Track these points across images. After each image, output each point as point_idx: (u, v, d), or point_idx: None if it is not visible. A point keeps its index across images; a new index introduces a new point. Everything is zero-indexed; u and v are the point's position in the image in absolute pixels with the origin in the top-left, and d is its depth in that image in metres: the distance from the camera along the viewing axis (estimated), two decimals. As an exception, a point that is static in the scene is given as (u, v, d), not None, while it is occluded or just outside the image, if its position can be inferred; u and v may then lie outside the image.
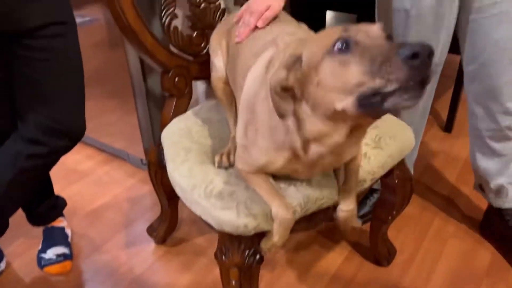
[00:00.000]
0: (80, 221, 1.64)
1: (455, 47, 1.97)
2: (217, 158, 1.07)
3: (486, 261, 1.43)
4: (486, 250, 1.47)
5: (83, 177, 1.89)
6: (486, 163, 1.42)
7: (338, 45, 0.66)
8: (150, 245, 1.53)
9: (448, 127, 2.13)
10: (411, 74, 0.58)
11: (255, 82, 0.93)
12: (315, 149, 0.80)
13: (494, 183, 1.42)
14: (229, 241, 0.98)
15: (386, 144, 1.11)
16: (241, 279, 1.00)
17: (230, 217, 0.91)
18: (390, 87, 0.60)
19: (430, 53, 0.57)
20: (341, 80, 0.65)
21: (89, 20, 1.74)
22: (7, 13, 1.02)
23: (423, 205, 1.68)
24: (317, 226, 1.08)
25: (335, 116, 0.70)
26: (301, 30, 1.10)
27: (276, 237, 0.94)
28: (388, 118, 1.21)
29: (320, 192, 0.99)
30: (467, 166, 1.89)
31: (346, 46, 0.65)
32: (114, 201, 1.75)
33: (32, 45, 1.09)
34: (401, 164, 1.21)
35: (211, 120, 1.25)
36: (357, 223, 1.08)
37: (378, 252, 1.40)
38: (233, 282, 1.01)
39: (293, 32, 1.02)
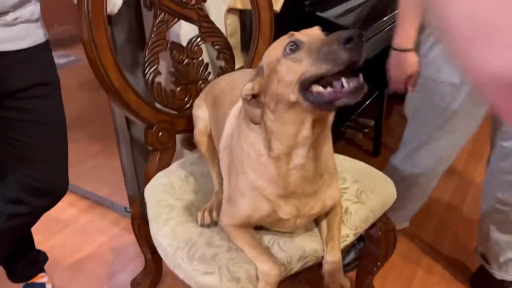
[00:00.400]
0: (61, 274, 1.61)
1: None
2: (199, 215, 1.07)
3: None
4: None
5: (66, 226, 1.86)
6: (499, 236, 1.38)
7: (289, 46, 0.78)
8: (134, 299, 1.50)
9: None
10: (351, 54, 0.69)
11: (230, 125, 1.00)
12: (294, 162, 0.85)
13: (504, 257, 1.39)
14: (212, 304, 0.96)
15: (368, 198, 1.12)
16: None
17: (213, 282, 0.90)
18: (337, 68, 0.71)
19: (360, 34, 0.69)
20: (294, 73, 0.77)
21: (73, 60, 1.75)
22: None
23: (407, 252, 1.68)
24: (301, 282, 1.08)
25: (294, 113, 0.80)
26: None
27: None
28: (370, 171, 1.23)
29: (304, 251, 0.99)
30: (451, 207, 1.92)
31: (296, 46, 0.77)
32: (97, 252, 1.72)
33: (13, 106, 1.09)
34: (384, 216, 1.22)
35: (194, 174, 1.25)
36: (345, 280, 1.08)
37: (364, 302, 1.39)
38: None
39: None
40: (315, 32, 0.80)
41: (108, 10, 1.15)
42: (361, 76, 0.74)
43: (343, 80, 0.73)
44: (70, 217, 1.92)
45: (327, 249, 1.00)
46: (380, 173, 1.22)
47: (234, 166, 0.95)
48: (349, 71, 0.73)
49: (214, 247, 0.97)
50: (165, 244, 1.02)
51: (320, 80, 0.75)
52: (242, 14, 1.69)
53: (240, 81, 1.13)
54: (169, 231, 1.04)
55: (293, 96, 0.78)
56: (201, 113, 1.23)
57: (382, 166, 2.05)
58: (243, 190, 0.93)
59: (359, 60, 0.71)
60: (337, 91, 0.74)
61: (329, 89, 0.74)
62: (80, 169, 1.93)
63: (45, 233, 1.80)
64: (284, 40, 0.80)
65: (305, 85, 0.76)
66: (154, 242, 1.08)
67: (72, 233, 1.82)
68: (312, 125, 0.82)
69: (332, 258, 1.00)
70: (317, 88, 0.75)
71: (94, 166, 1.93)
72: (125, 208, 1.89)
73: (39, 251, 1.48)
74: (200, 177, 1.24)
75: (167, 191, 1.18)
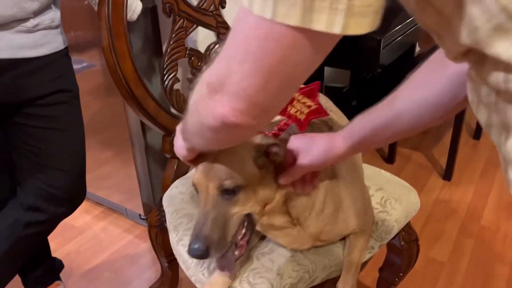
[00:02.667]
0: (77, 282, 1.59)
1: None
2: None
3: (495, 320, 1.40)
4: (495, 307, 1.44)
5: (80, 234, 1.85)
6: None
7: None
8: (150, 308, 1.48)
9: (447, 175, 2.13)
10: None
11: None
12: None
13: None
14: (235, 316, 0.94)
15: (392, 207, 1.10)
16: None
17: (237, 293, 0.89)
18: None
19: (200, 255, 0.72)
20: None
21: (86, 66, 1.74)
22: (11, 83, 1.02)
23: (427, 259, 1.65)
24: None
25: None
26: None
27: None
28: (393, 179, 1.20)
29: (328, 260, 0.97)
30: (469, 216, 1.88)
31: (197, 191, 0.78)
32: (112, 260, 1.70)
33: (33, 113, 1.09)
34: (407, 225, 1.20)
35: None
36: None
37: (386, 314, 1.36)
38: None
39: None
40: (211, 188, 0.75)
41: (128, 17, 1.14)
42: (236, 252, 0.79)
43: None
44: (83, 224, 1.91)
45: (342, 276, 0.99)
46: (403, 182, 1.20)
47: None
48: None
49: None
50: (187, 256, 1.00)
51: None
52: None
53: None
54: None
55: None
56: None
57: (396, 173, 2.02)
58: None
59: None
60: None
61: None
62: (93, 176, 1.92)
63: (59, 240, 1.79)
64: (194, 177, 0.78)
65: None
66: (175, 252, 1.07)
67: (86, 241, 1.81)
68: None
69: (343, 285, 0.98)
70: None
71: (107, 173, 1.92)
72: (139, 215, 1.87)
73: (55, 258, 1.47)
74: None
75: (186, 200, 1.16)
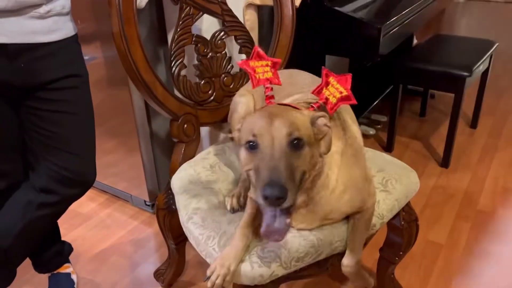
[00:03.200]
0: (85, 266, 1.63)
1: (450, 85, 2.05)
2: (228, 201, 1.10)
3: (491, 298, 1.45)
4: (489, 287, 1.49)
5: (86, 220, 1.89)
6: None
7: (248, 144, 0.82)
8: (157, 289, 1.52)
9: (444, 162, 2.18)
10: (266, 202, 0.76)
11: None
12: None
13: None
14: (244, 290, 0.99)
15: (393, 187, 1.14)
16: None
17: (245, 269, 0.93)
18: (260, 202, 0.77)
19: (278, 197, 0.74)
20: (249, 165, 0.83)
21: (88, 58, 1.77)
22: (25, 67, 1.06)
23: (426, 242, 1.70)
24: (328, 270, 1.10)
25: None
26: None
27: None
28: (393, 161, 1.25)
29: (334, 236, 1.01)
30: (466, 201, 1.93)
31: (253, 147, 0.81)
32: (118, 245, 1.74)
33: (45, 97, 1.12)
34: (407, 206, 1.24)
35: (219, 165, 1.28)
36: (368, 278, 1.11)
37: (385, 291, 1.41)
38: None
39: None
40: (279, 137, 0.80)
41: (137, 4, 1.17)
42: (287, 220, 0.80)
43: (265, 217, 0.81)
44: (89, 211, 1.95)
45: (346, 253, 1.03)
46: (403, 163, 1.24)
47: None
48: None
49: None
50: (197, 233, 1.05)
51: None
52: (260, 10, 1.71)
53: (300, 81, 1.15)
54: (199, 220, 1.07)
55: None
56: (244, 100, 1.21)
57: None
58: None
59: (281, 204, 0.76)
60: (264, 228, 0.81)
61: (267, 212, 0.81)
62: (99, 164, 1.92)
63: (66, 226, 1.83)
64: (250, 132, 0.82)
65: None
66: (185, 230, 1.11)
67: (92, 227, 1.85)
68: None
69: (348, 261, 1.03)
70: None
71: (112, 162, 1.95)
72: (145, 201, 1.91)
73: (64, 242, 1.50)
74: (224, 167, 1.27)
75: (194, 181, 1.20)
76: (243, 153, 0.84)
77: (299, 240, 0.97)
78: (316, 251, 0.98)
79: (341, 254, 1.05)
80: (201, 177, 1.22)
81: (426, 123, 2.60)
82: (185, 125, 1.30)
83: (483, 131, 2.49)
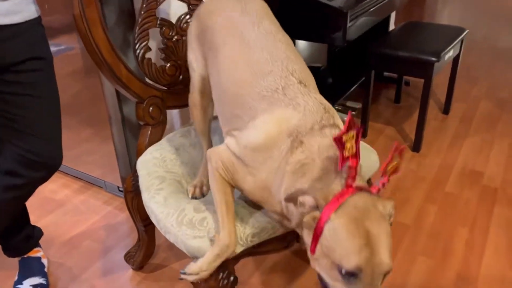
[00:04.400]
0: (57, 251, 1.65)
1: (419, 71, 2.09)
2: (190, 189, 1.12)
3: (453, 277, 1.50)
4: (452, 267, 1.54)
5: (60, 206, 1.89)
6: None
7: (345, 271, 0.74)
8: (128, 272, 1.54)
9: (416, 147, 2.22)
10: None
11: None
12: None
13: None
14: (204, 265, 1.01)
15: (352, 166, 1.17)
16: (217, 302, 1.03)
17: (201, 244, 0.95)
18: None
19: None
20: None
21: (64, 49, 1.77)
22: None
23: (393, 223, 1.74)
24: (289, 246, 1.13)
25: None
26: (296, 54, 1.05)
27: (205, 264, 0.93)
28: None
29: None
30: (435, 184, 1.98)
31: (353, 275, 0.74)
32: (91, 230, 1.76)
33: (8, 79, 1.12)
34: (368, 182, 1.27)
35: (184, 146, 1.30)
36: None
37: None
38: (209, 305, 1.03)
39: (295, 61, 1.01)
40: (381, 269, 0.76)
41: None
42: None
43: None
44: (63, 197, 1.95)
45: None
46: (364, 144, 1.27)
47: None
48: None
49: (202, 212, 1.02)
50: (157, 211, 1.07)
51: None
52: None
53: (239, 19, 1.07)
54: (161, 199, 1.09)
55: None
56: (195, 64, 1.17)
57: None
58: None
59: None
60: None
61: None
62: (73, 153, 1.96)
63: (39, 213, 1.83)
64: (358, 254, 0.74)
65: None
66: (147, 209, 1.13)
67: (65, 213, 1.86)
68: None
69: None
70: None
71: (87, 150, 1.96)
72: (118, 187, 1.92)
73: (34, 226, 1.51)
74: (189, 148, 1.29)
75: (159, 164, 1.22)
76: (330, 272, 0.78)
77: (256, 217, 1.00)
78: (273, 227, 1.01)
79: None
80: (166, 160, 1.24)
81: (401, 110, 2.64)
82: (151, 108, 1.32)
83: (455, 117, 2.54)
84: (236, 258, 1.03)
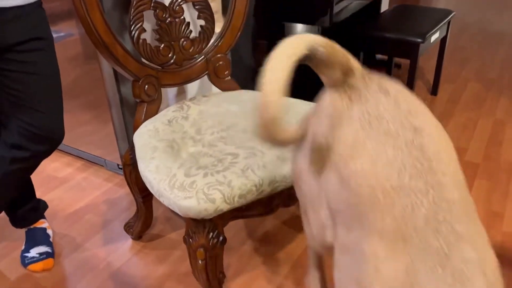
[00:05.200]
0: (60, 223, 1.75)
1: (406, 52, 2.16)
2: None
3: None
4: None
5: (63, 183, 2.00)
6: None
7: None
8: (127, 241, 1.65)
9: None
10: None
11: None
12: None
13: None
14: (195, 226, 1.11)
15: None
16: (207, 258, 1.13)
17: (192, 204, 1.05)
18: None
19: None
20: None
21: (64, 35, 1.86)
22: None
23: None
24: (273, 210, 1.23)
25: None
26: None
27: None
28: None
29: (274, 176, 1.13)
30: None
31: None
32: (93, 204, 1.86)
33: (13, 58, 1.21)
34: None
35: (176, 119, 1.39)
36: None
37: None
38: (200, 262, 1.14)
39: None
40: None
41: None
42: None
43: None
44: (66, 175, 2.05)
45: None
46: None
47: None
48: None
49: (191, 176, 1.11)
50: (151, 178, 1.16)
51: None
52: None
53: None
54: (154, 167, 1.18)
55: None
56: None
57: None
58: None
59: None
60: None
61: None
62: (74, 134, 2.06)
63: (43, 189, 1.94)
64: None
65: None
66: (143, 178, 1.22)
67: (68, 189, 1.96)
68: None
69: None
70: None
71: (88, 132, 2.05)
72: (118, 165, 2.02)
73: (39, 199, 1.61)
74: (181, 120, 1.38)
75: (152, 135, 1.31)
76: None
77: (242, 180, 1.09)
78: (258, 189, 1.10)
79: (284, 192, 1.17)
80: (158, 131, 1.33)
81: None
82: (146, 86, 1.41)
83: (443, 98, 2.63)
84: (224, 219, 1.13)
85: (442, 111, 2.49)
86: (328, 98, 0.81)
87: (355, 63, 0.82)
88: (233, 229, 1.69)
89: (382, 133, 0.72)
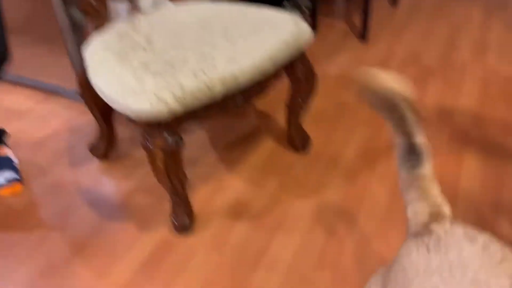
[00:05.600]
0: (25, 152, 1.75)
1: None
2: None
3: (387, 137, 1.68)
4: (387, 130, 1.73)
5: (24, 115, 1.97)
6: None
7: None
8: (94, 163, 1.67)
9: (362, 36, 2.33)
10: None
11: None
12: None
13: None
14: (150, 129, 1.14)
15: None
16: (167, 161, 1.17)
17: (144, 107, 1.07)
18: None
19: None
20: None
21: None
22: None
23: (337, 104, 1.89)
24: (229, 111, 1.26)
25: None
26: None
27: None
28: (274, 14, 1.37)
29: (225, 76, 1.15)
30: (379, 68, 2.12)
31: None
32: (55, 132, 1.86)
33: None
34: (304, 60, 1.39)
35: (127, 31, 1.37)
36: None
37: (293, 139, 1.61)
38: (160, 165, 1.18)
39: None
40: None
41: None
42: None
43: None
44: (27, 107, 2.03)
45: None
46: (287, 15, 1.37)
47: None
48: None
49: (142, 81, 1.12)
50: (103, 88, 1.17)
51: None
52: None
53: None
54: (105, 76, 1.18)
55: None
56: None
57: (320, 39, 2.23)
58: None
59: None
60: None
61: None
62: (30, 68, 2.01)
63: (4, 122, 1.92)
64: None
65: None
66: (97, 90, 1.23)
67: (30, 120, 1.94)
68: None
69: None
70: None
71: (44, 64, 2.01)
72: (77, 92, 2.00)
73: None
74: (132, 32, 1.36)
75: (101, 47, 1.30)
76: None
77: (193, 79, 1.11)
78: (210, 89, 1.12)
79: (239, 95, 1.20)
80: (107, 42, 1.31)
81: (354, 4, 2.72)
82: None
83: (404, 9, 2.64)
84: (178, 120, 1.16)
85: (401, 22, 2.51)
86: (405, 250, 0.72)
87: (447, 209, 0.75)
88: (197, 143, 1.73)
89: (468, 284, 0.61)
